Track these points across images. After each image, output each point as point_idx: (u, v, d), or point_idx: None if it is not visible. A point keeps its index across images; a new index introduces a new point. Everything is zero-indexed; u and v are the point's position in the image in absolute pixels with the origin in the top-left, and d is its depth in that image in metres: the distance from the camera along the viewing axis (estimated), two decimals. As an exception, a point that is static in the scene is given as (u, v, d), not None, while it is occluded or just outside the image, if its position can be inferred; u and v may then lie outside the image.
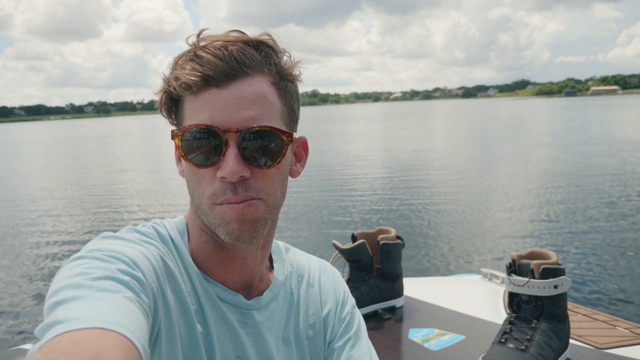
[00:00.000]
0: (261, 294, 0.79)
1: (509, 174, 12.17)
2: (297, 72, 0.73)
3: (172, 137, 0.67)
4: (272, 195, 0.69)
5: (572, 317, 1.41)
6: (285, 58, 0.71)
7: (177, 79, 0.65)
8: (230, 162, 0.63)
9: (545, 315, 1.36)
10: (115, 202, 10.87)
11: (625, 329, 1.56)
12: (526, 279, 1.36)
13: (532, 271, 1.36)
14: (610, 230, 6.91)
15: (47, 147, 33.38)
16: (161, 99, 0.70)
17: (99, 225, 8.68)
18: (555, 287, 1.34)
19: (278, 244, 0.88)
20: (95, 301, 0.51)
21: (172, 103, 0.69)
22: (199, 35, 0.67)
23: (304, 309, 0.85)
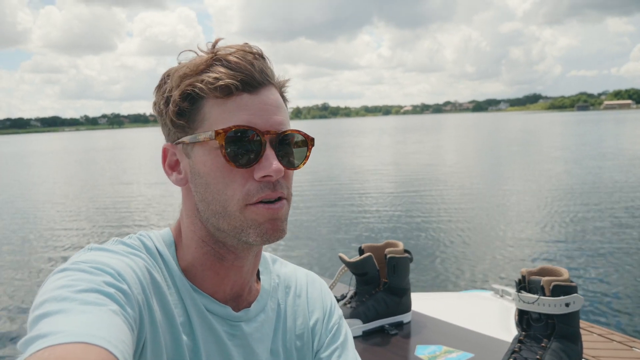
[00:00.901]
0: (249, 305, 0.78)
1: (520, 189, 12.07)
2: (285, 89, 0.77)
3: (215, 137, 0.65)
4: (291, 195, 0.73)
5: (586, 337, 1.37)
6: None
7: (207, 81, 0.66)
8: (274, 162, 0.66)
9: (556, 334, 1.32)
10: (123, 213, 10.94)
11: None
12: (536, 296, 1.32)
13: (542, 288, 1.33)
14: (625, 247, 6.81)
15: (60, 158, 33.74)
16: (174, 100, 0.68)
17: (105, 235, 8.72)
18: (567, 305, 1.30)
19: (265, 255, 0.87)
20: (79, 314, 0.50)
21: (190, 105, 0.68)
22: (215, 43, 0.69)
23: (292, 319, 0.84)
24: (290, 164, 0.71)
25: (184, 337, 0.68)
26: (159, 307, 0.66)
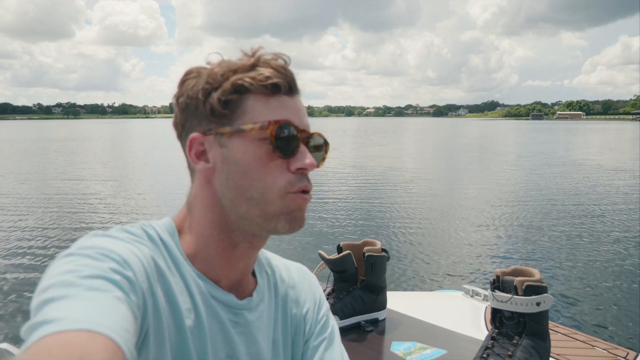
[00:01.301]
0: (250, 294, 0.80)
1: (493, 193, 12.47)
2: None
3: (266, 127, 0.71)
4: None
5: (552, 336, 1.44)
6: None
7: (260, 79, 0.71)
8: (309, 156, 0.73)
9: (527, 332, 1.38)
10: (82, 210, 10.60)
11: (603, 349, 1.60)
12: (509, 296, 1.38)
13: (515, 288, 1.39)
14: (589, 251, 7.13)
15: (13, 148, 32.32)
16: (226, 90, 0.71)
17: (61, 233, 8.45)
18: (538, 304, 1.36)
19: None
20: (84, 300, 0.50)
21: (236, 97, 0.72)
22: (257, 50, 0.74)
23: (288, 310, 0.87)
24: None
25: (190, 324, 0.69)
26: (163, 294, 0.67)
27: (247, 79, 0.71)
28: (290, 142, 0.72)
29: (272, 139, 0.71)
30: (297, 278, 0.91)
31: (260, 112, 0.72)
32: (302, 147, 0.73)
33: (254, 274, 0.85)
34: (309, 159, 0.73)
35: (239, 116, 0.72)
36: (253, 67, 0.72)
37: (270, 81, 0.71)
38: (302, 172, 0.73)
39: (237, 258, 0.76)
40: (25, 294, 5.43)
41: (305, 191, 0.74)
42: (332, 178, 15.02)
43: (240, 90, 0.72)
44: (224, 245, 0.75)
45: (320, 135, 0.79)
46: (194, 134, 0.74)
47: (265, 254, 0.90)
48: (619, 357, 1.55)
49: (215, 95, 0.72)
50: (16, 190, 13.12)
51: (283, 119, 0.72)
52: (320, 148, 0.80)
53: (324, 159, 0.80)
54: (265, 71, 0.72)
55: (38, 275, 6.04)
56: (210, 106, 0.72)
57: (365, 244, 1.68)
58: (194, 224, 0.75)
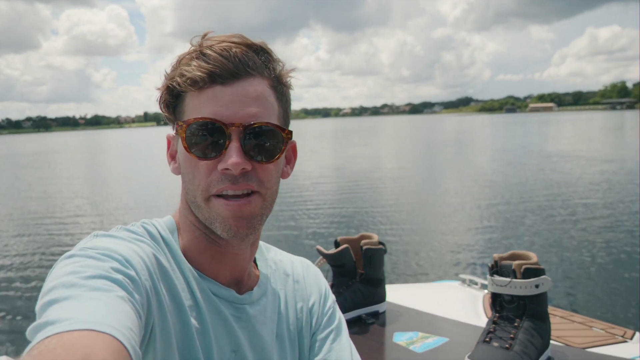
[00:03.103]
0: (250, 289, 0.80)
1: (483, 185, 12.76)
2: (290, 80, 0.76)
3: (176, 130, 0.69)
4: (270, 190, 0.72)
5: (550, 319, 1.46)
6: (280, 65, 0.74)
7: (182, 75, 0.67)
8: (234, 155, 0.65)
9: (527, 314, 1.40)
10: (58, 225, 10.41)
11: (601, 329, 1.63)
12: (508, 279, 1.40)
13: (513, 271, 1.41)
14: (581, 235, 7.34)
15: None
16: (162, 94, 0.71)
17: (39, 249, 8.28)
18: (537, 286, 1.38)
19: (259, 243, 0.88)
20: (87, 301, 0.50)
21: (172, 99, 0.71)
22: (204, 36, 0.69)
23: (293, 304, 0.87)
24: (261, 158, 0.69)
25: (193, 321, 0.69)
26: (167, 291, 0.67)
27: (177, 78, 0.68)
28: (211, 141, 0.66)
29: (184, 140, 0.67)
30: (302, 272, 0.91)
31: (191, 111, 0.68)
32: (233, 144, 0.66)
33: (258, 268, 0.86)
34: (232, 157, 0.65)
35: (179, 117, 0.70)
36: (190, 60, 0.67)
37: (188, 75, 0.66)
38: (225, 173, 0.67)
39: (221, 256, 0.75)
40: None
41: (237, 194, 0.67)
42: (325, 176, 15.14)
43: (174, 91, 0.69)
44: (204, 242, 0.74)
45: (268, 124, 0.68)
46: (168, 134, 0.75)
47: (269, 248, 0.91)
48: (616, 336, 1.59)
49: (161, 98, 0.72)
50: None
51: (204, 115, 0.66)
52: (275, 140, 0.69)
53: (280, 151, 0.70)
54: (192, 65, 0.67)
55: (29, 290, 5.96)
56: (161, 109, 0.72)
57: (363, 237, 1.69)
58: (181, 222, 0.76)
